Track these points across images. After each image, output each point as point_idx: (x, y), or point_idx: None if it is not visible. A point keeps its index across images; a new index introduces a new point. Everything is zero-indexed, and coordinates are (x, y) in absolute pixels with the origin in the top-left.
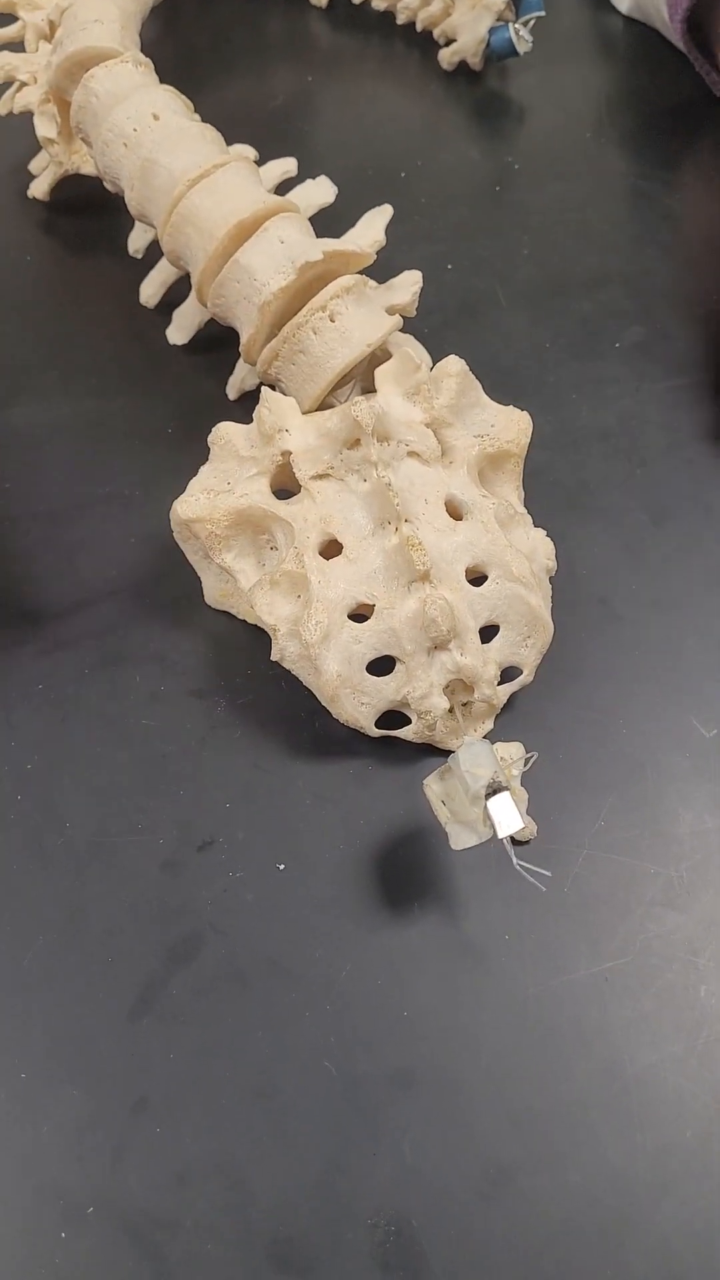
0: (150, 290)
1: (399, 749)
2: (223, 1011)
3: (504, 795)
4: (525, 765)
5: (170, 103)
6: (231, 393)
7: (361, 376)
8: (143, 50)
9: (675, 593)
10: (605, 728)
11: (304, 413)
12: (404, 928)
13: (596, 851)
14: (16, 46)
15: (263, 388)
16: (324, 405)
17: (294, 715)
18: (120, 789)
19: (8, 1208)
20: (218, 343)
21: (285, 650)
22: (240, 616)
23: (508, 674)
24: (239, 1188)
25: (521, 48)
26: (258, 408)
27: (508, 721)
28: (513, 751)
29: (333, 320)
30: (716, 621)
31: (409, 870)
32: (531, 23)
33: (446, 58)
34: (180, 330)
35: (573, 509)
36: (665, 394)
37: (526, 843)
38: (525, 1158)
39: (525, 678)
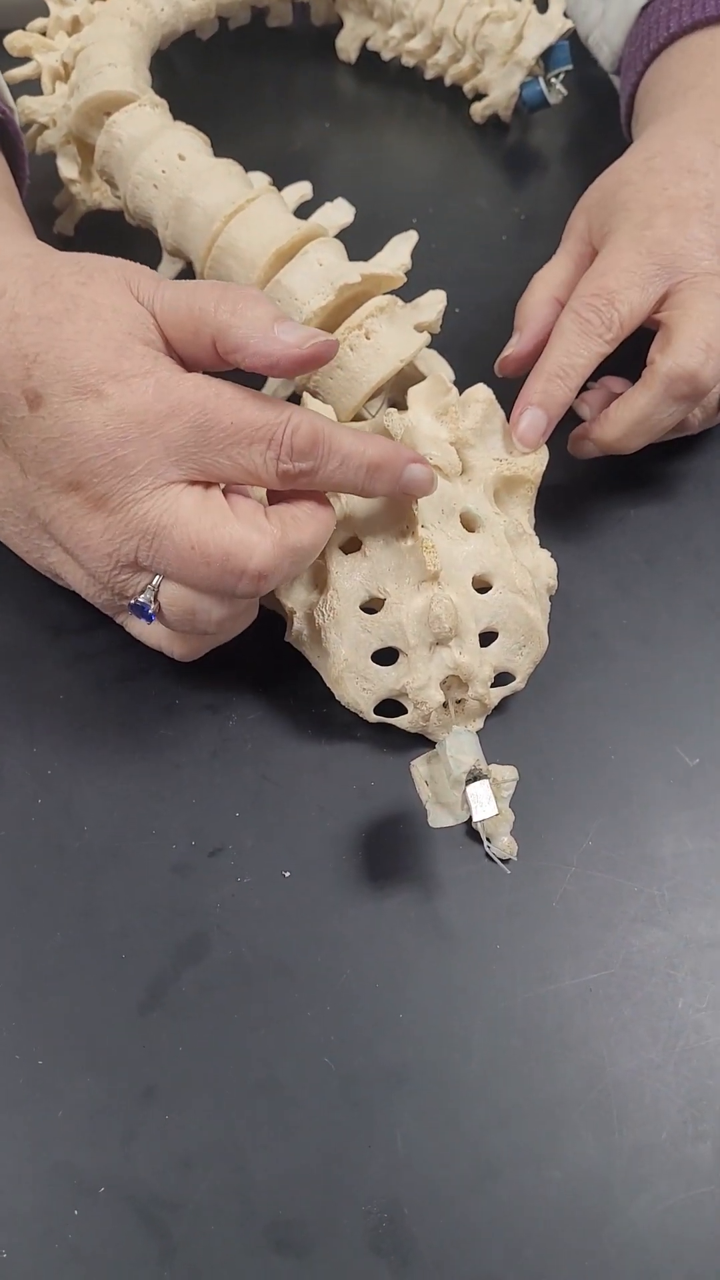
0: None
1: (402, 758)
2: (229, 1008)
3: (483, 783)
4: (513, 787)
5: (192, 141)
6: None
7: (390, 389)
8: (174, 93)
9: (664, 629)
10: (595, 754)
11: (340, 421)
12: (401, 935)
13: (584, 869)
14: (33, 87)
15: (304, 395)
16: (357, 417)
17: (301, 732)
18: (136, 796)
19: (24, 1185)
20: None
21: (299, 633)
22: (263, 603)
23: (502, 678)
24: (241, 1173)
25: (554, 99)
26: None
27: (501, 742)
28: (506, 774)
29: (368, 337)
30: (702, 657)
31: (408, 881)
32: (562, 75)
33: (479, 111)
34: None
35: (570, 545)
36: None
37: (508, 861)
38: (511, 1153)
39: (517, 684)
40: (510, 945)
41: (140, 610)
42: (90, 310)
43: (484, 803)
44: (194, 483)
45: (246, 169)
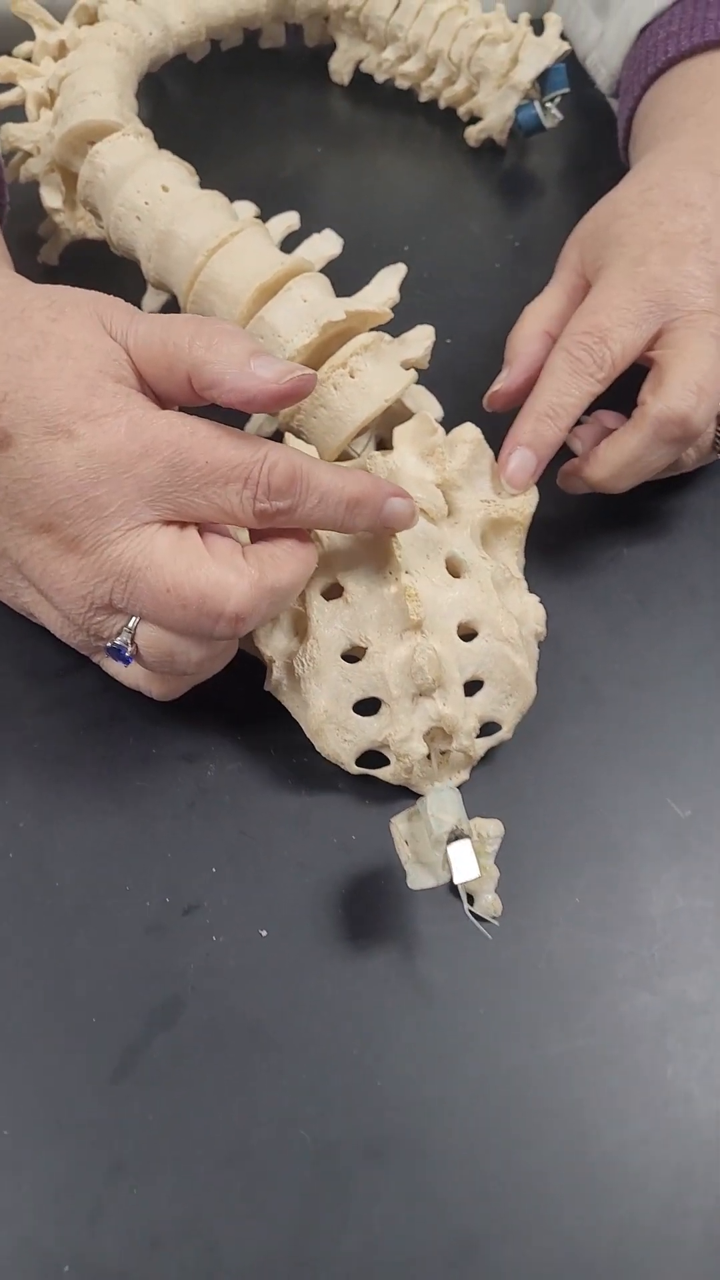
0: None
1: (385, 810)
2: (201, 1075)
3: (464, 843)
4: (498, 843)
5: (176, 172)
6: None
7: (376, 427)
8: (165, 116)
9: (657, 673)
10: (582, 805)
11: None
12: (381, 998)
13: (571, 928)
14: (18, 112)
15: (286, 435)
16: (341, 456)
17: (281, 783)
18: (110, 850)
19: None
20: None
21: (279, 682)
22: (242, 647)
23: (488, 729)
24: (211, 1252)
25: (549, 123)
26: None
27: (487, 793)
28: (491, 829)
29: (353, 376)
30: (695, 702)
31: (389, 940)
32: (558, 99)
33: (474, 135)
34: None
35: (561, 585)
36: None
37: (496, 920)
38: (492, 1229)
39: (504, 734)
40: (494, 1009)
41: (117, 653)
42: (61, 347)
43: (466, 864)
44: (169, 523)
45: (236, 194)
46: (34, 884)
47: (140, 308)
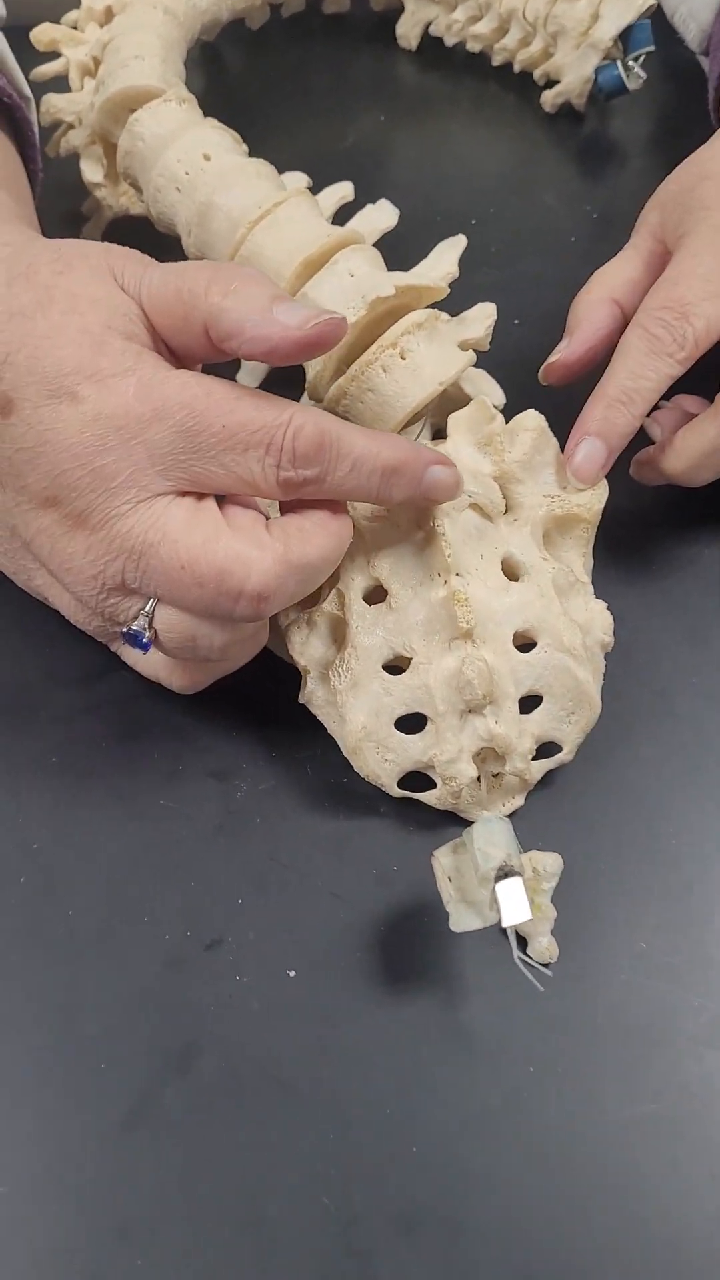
0: None
1: (429, 838)
2: (217, 1130)
3: (515, 881)
4: (556, 880)
5: (220, 140)
6: None
7: (432, 414)
8: (221, 86)
9: None
10: (653, 835)
11: None
12: (419, 1050)
13: (636, 977)
14: (62, 83)
15: None
16: None
17: (317, 805)
18: (129, 875)
19: None
20: (286, 381)
21: (313, 694)
22: (277, 654)
23: (546, 749)
24: None
25: (632, 84)
26: None
27: (544, 821)
28: (549, 864)
29: (403, 357)
30: None
31: (429, 986)
32: (642, 58)
33: (550, 100)
34: (250, 374)
35: (633, 587)
36: None
37: (547, 966)
38: None
39: (564, 756)
40: (546, 1067)
41: (134, 639)
42: (66, 302)
43: (516, 905)
44: (184, 494)
45: (294, 167)
46: (45, 911)
47: None
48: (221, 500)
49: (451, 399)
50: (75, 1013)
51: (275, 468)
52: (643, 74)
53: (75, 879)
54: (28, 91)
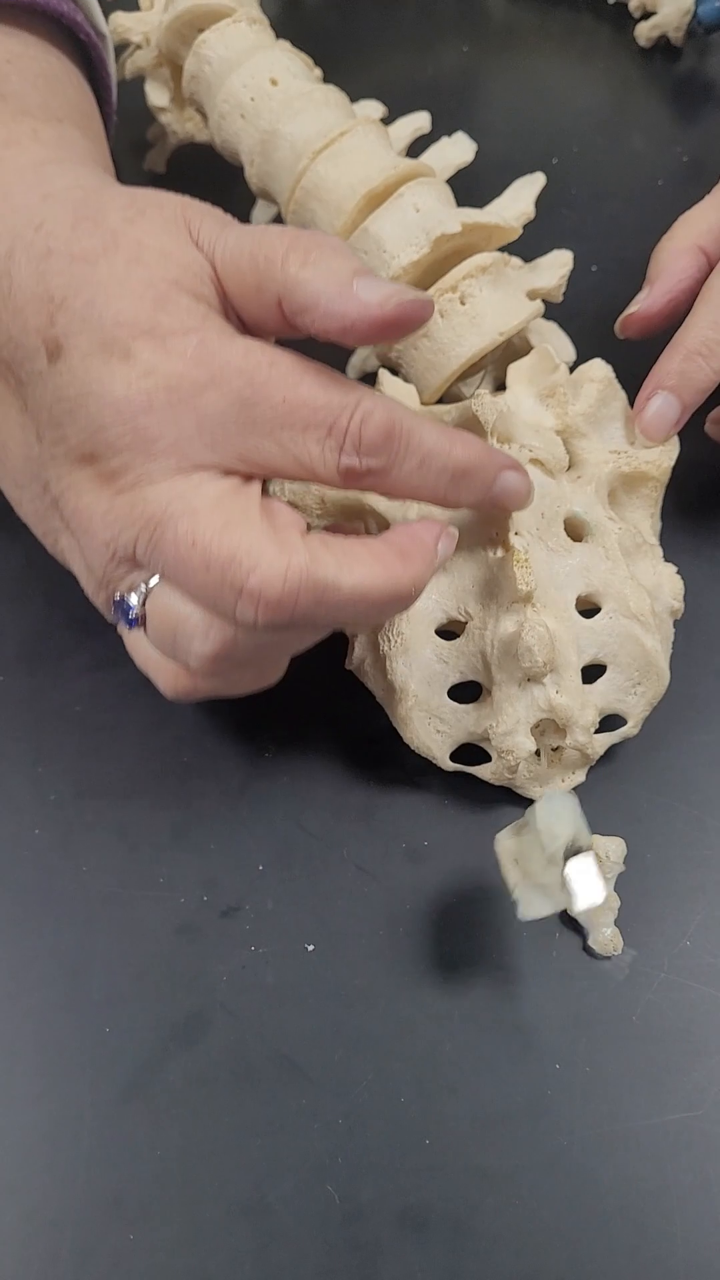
0: None
1: (466, 814)
2: (220, 1107)
3: (586, 858)
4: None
5: (289, 64)
6: (351, 374)
7: (495, 366)
8: (298, 10)
9: None
10: (704, 829)
11: (424, 403)
12: (438, 1039)
13: (675, 976)
14: (131, 3)
15: (381, 371)
16: (451, 396)
17: (348, 771)
18: (146, 834)
19: None
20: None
21: (362, 660)
22: None
23: (609, 722)
24: None
25: None
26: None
27: (597, 806)
28: (612, 848)
29: (463, 303)
30: None
31: (452, 972)
32: None
33: (644, 33)
34: None
35: (699, 558)
36: None
37: (609, 959)
38: None
39: (629, 729)
40: (572, 1066)
41: (122, 610)
42: (133, 251)
43: (589, 885)
44: (229, 473)
45: (371, 96)
46: (59, 867)
47: (250, 222)
48: (266, 496)
49: (516, 351)
50: (82, 974)
51: (337, 452)
52: None
53: (90, 835)
54: (105, 28)
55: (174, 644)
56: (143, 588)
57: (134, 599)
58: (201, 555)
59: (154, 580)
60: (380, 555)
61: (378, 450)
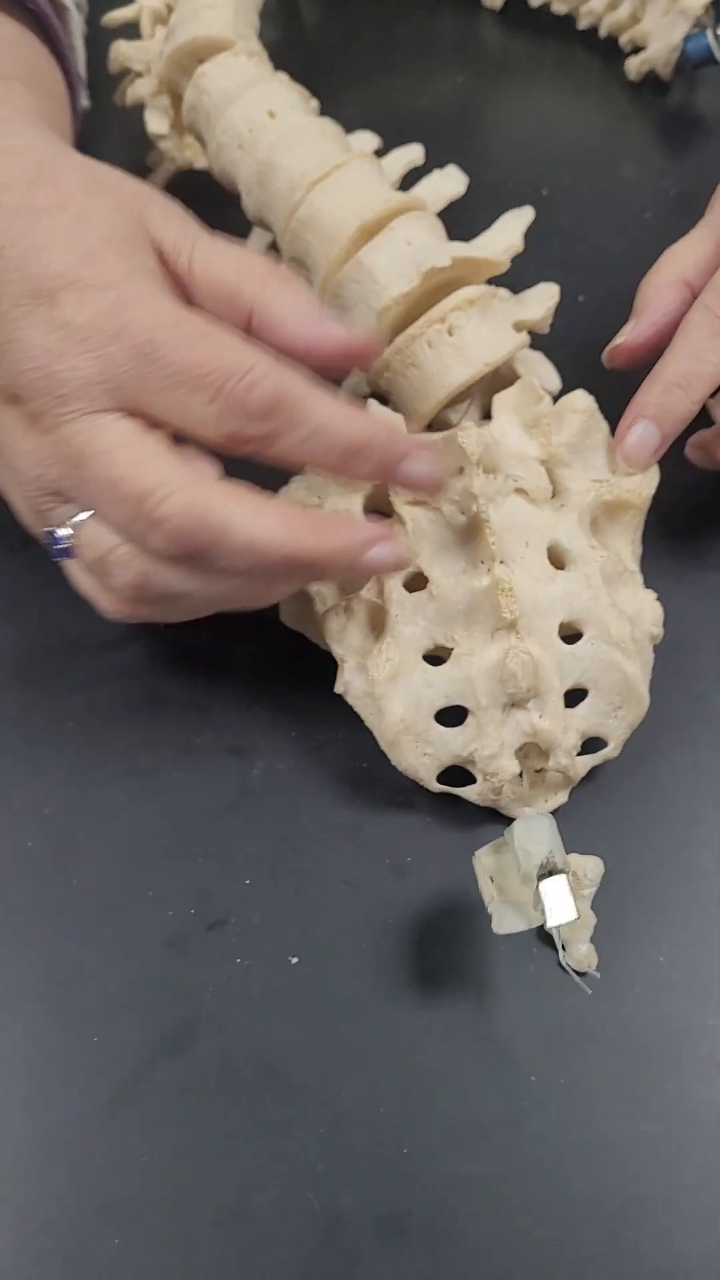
0: None
1: (451, 832)
2: (205, 1116)
3: (559, 879)
4: (597, 885)
5: (286, 97)
6: None
7: (482, 394)
8: (297, 40)
9: None
10: (680, 845)
11: (411, 430)
12: (419, 1051)
13: (651, 991)
14: (134, 30)
15: (370, 400)
16: (439, 425)
17: (336, 789)
18: (137, 848)
19: None
20: None
21: (350, 684)
22: (313, 640)
23: (591, 745)
24: None
25: None
26: None
27: (578, 825)
28: (589, 867)
29: (451, 334)
30: None
31: (434, 986)
32: None
33: (635, 67)
34: None
35: (679, 583)
36: None
37: (584, 975)
38: None
39: (610, 751)
40: (548, 1078)
41: (53, 541)
42: (80, 213)
43: (561, 904)
44: (132, 414)
45: (366, 127)
46: (51, 879)
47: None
48: (184, 444)
49: (504, 380)
50: (71, 984)
51: (219, 416)
52: None
53: (82, 848)
54: (66, 1)
55: (106, 572)
56: (71, 522)
57: (62, 532)
58: (118, 492)
59: (83, 515)
60: (291, 520)
61: (263, 417)
